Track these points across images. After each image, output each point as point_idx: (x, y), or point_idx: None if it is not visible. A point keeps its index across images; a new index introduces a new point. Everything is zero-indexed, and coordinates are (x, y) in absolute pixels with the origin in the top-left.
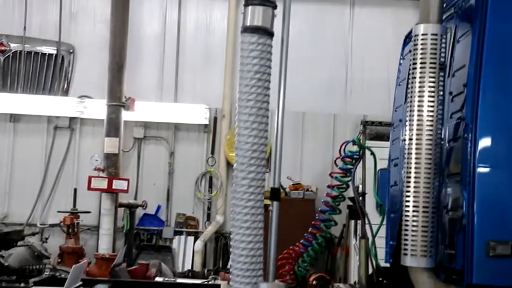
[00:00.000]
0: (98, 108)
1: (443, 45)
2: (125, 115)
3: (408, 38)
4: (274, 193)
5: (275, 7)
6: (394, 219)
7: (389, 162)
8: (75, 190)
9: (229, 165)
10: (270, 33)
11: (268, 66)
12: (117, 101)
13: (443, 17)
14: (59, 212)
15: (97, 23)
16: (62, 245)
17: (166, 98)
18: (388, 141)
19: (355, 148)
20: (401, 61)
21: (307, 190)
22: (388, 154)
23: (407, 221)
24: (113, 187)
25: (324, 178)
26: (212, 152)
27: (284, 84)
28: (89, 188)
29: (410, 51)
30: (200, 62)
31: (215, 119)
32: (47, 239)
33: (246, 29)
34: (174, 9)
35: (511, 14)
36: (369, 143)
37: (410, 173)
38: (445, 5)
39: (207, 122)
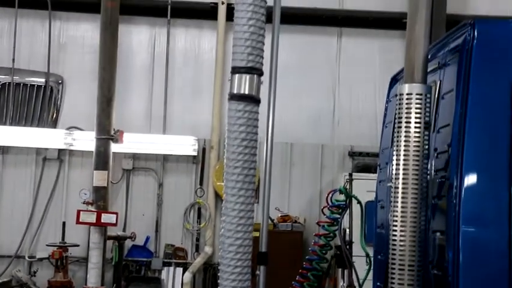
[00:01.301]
0: (86, 140)
1: (428, 104)
2: (114, 147)
3: (394, 79)
4: (261, 257)
5: (261, 74)
6: (380, 261)
7: (376, 202)
8: (64, 223)
9: (217, 196)
10: (256, 101)
11: (255, 133)
12: (106, 134)
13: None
14: (47, 245)
15: (86, 54)
16: (50, 278)
17: (155, 129)
18: (375, 172)
19: (342, 197)
20: (388, 104)
21: (295, 222)
22: (375, 194)
23: (393, 278)
24: (102, 221)
25: (312, 208)
26: (201, 183)
27: (273, 117)
28: (78, 222)
29: (396, 95)
30: (189, 93)
31: (204, 150)
32: (35, 272)
33: (233, 97)
34: (163, 40)
35: (494, 77)
36: (356, 175)
37: (396, 231)
38: (429, 56)
39: (195, 154)
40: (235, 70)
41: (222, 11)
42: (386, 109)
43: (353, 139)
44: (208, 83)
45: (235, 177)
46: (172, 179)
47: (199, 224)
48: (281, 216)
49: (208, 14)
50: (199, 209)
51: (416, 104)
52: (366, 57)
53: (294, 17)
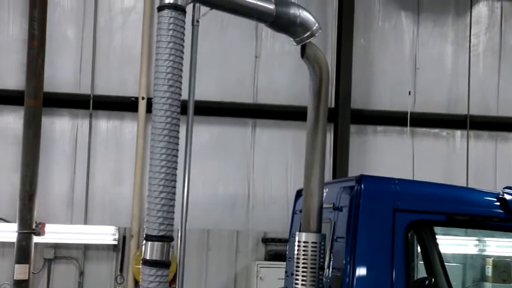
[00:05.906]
0: (8, 232)
1: (322, 250)
2: (36, 238)
3: (300, 193)
4: None
5: (172, 240)
6: None
7: None
8: None
9: (137, 283)
10: (167, 265)
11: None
12: (28, 228)
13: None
14: None
15: (9, 145)
16: None
17: (77, 217)
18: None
19: None
20: (294, 216)
21: None
22: None
23: None
24: None
25: None
26: (121, 270)
27: (186, 209)
28: None
29: (301, 211)
30: (110, 182)
31: (124, 237)
32: None
33: (146, 262)
34: (85, 130)
35: (378, 232)
36: (267, 264)
37: None
38: (326, 191)
39: (116, 243)
40: (148, 238)
41: (142, 105)
42: (292, 220)
43: (267, 225)
44: (129, 172)
45: None
46: (93, 267)
47: None
48: None
49: (130, 106)
50: None
51: (312, 251)
52: (279, 146)
53: (211, 109)
